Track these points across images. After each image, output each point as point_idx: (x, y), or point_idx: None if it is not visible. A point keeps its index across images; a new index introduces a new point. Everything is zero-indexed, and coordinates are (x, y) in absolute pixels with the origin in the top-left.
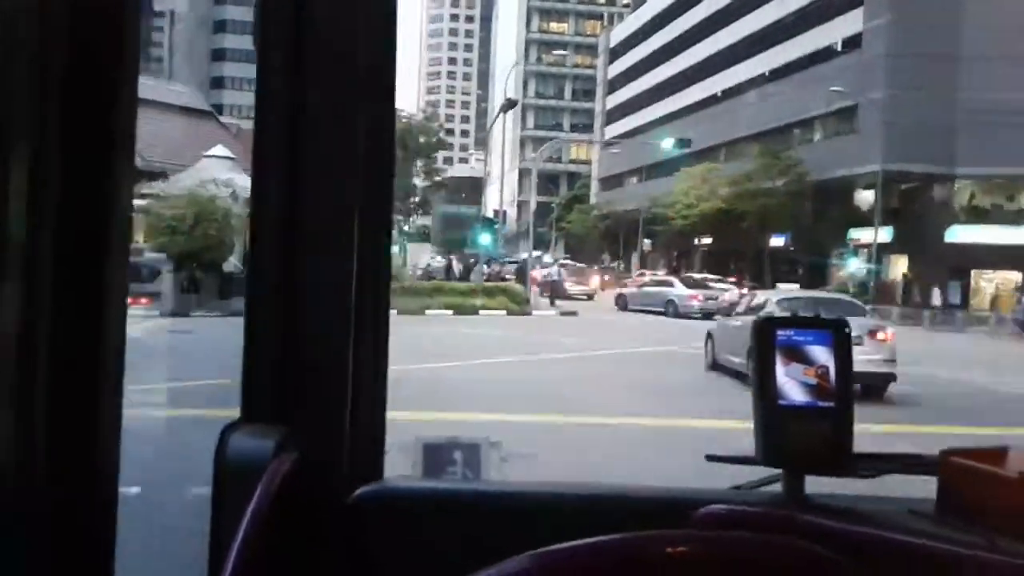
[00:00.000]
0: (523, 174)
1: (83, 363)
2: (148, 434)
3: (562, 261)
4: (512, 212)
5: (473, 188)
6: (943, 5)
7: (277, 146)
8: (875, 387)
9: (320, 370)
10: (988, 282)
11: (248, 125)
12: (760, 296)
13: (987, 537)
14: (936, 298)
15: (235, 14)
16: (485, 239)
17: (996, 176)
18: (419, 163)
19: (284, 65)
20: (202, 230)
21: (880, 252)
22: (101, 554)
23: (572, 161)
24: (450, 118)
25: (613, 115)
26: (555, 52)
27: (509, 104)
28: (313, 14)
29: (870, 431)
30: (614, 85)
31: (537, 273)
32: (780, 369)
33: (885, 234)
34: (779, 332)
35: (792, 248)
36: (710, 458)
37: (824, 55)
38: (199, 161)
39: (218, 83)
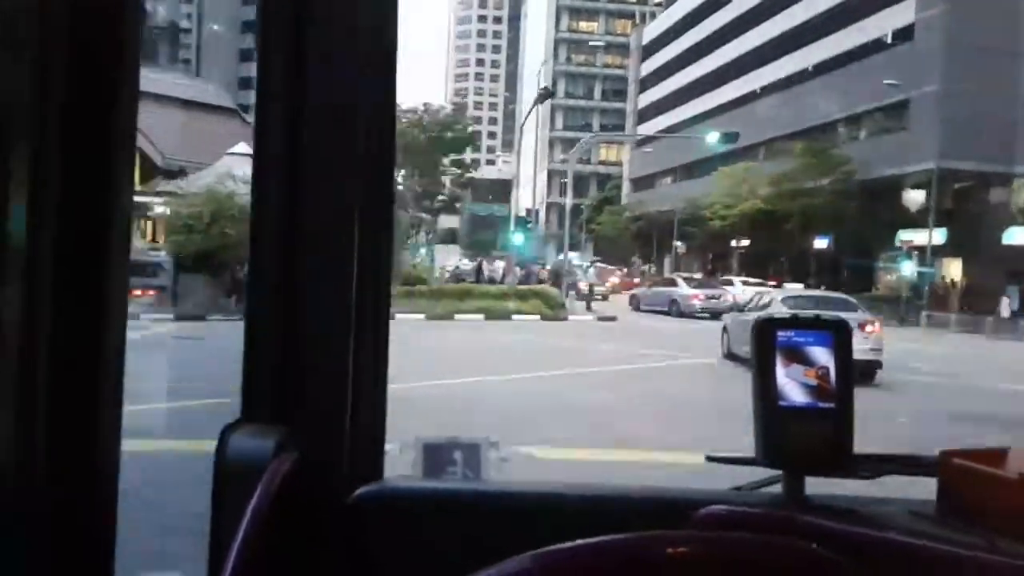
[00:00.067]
0: (552, 175)
1: (83, 363)
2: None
3: (591, 262)
4: (542, 214)
5: (501, 190)
6: None
7: (277, 146)
8: (866, 372)
9: (320, 370)
10: None
11: None
12: (767, 295)
13: (987, 538)
14: (1005, 308)
15: None
16: (519, 240)
17: None
18: (445, 161)
19: (284, 65)
20: (219, 228)
21: (932, 255)
22: (101, 554)
23: (601, 162)
24: (477, 120)
25: (645, 114)
26: (592, 41)
27: (545, 94)
28: (313, 14)
29: None
30: (646, 84)
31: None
32: (780, 370)
33: (938, 236)
34: (779, 333)
35: (836, 250)
36: (710, 458)
37: (873, 48)
38: (221, 158)
39: (246, 83)
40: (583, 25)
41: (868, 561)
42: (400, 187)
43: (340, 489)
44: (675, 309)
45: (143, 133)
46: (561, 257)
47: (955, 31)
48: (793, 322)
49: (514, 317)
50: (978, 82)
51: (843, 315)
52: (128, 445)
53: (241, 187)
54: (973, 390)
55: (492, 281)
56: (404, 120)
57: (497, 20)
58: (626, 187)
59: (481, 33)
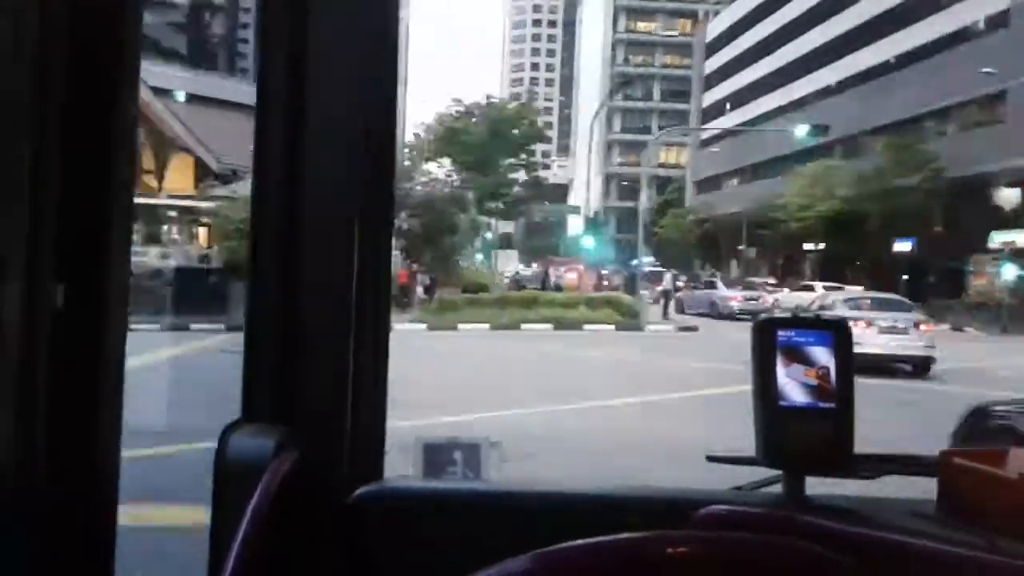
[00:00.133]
0: (609, 179)
1: (83, 363)
2: None
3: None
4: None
5: (558, 195)
6: None
7: (277, 146)
8: (922, 366)
9: (320, 370)
10: None
11: None
12: (829, 297)
13: (987, 538)
14: None
15: None
16: (590, 243)
17: None
18: (506, 161)
19: (284, 65)
20: None
21: None
22: (101, 554)
23: (661, 165)
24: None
25: (709, 114)
26: (650, 40)
27: (624, 81)
28: (314, 15)
29: None
30: (710, 82)
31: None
32: (781, 370)
33: None
34: (780, 333)
35: (919, 253)
36: (711, 458)
37: (962, 36)
38: None
39: None
40: (641, 25)
41: (868, 561)
42: (459, 186)
43: (340, 489)
44: (715, 310)
45: (198, 138)
46: (634, 262)
47: None
48: (793, 322)
49: (585, 327)
50: None
51: (900, 315)
52: None
53: None
54: None
55: (558, 288)
56: (464, 114)
57: (552, 24)
58: (690, 189)
59: (536, 37)
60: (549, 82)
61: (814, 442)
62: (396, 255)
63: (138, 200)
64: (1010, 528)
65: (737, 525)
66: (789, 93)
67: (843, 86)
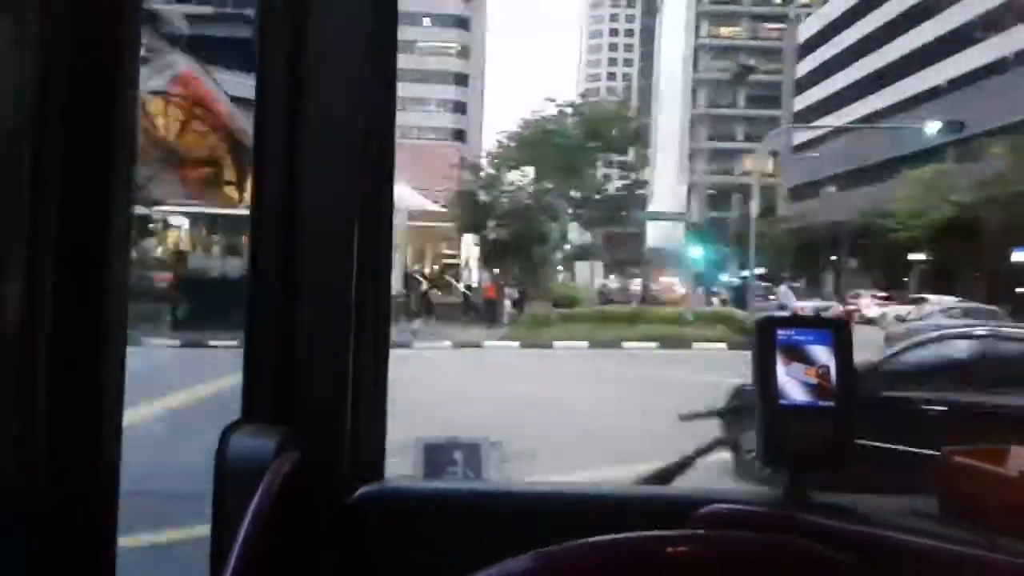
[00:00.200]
0: (692, 188)
1: (83, 363)
2: None
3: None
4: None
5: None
6: None
7: (277, 146)
8: None
9: (321, 370)
10: None
11: None
12: (927, 306)
13: (988, 536)
14: None
15: None
16: (697, 253)
17: None
18: (599, 166)
19: (284, 65)
20: None
21: None
22: (101, 554)
23: (745, 173)
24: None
25: (801, 118)
26: (737, 37)
27: (746, 69)
28: (314, 15)
29: None
30: (802, 86)
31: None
32: (781, 369)
33: None
34: (779, 331)
35: None
36: (683, 417)
37: None
38: None
39: None
40: (723, 31)
41: (869, 559)
42: (550, 192)
43: (341, 489)
44: None
45: (245, 145)
46: (745, 273)
47: None
48: (793, 321)
49: (694, 345)
50: None
51: (993, 323)
52: None
53: None
54: None
55: (658, 302)
56: (559, 115)
57: (629, 33)
58: (783, 197)
59: (612, 47)
60: (626, 90)
61: (814, 441)
62: (485, 275)
63: (221, 211)
64: (1011, 526)
65: (737, 524)
66: (891, 95)
67: (955, 84)
